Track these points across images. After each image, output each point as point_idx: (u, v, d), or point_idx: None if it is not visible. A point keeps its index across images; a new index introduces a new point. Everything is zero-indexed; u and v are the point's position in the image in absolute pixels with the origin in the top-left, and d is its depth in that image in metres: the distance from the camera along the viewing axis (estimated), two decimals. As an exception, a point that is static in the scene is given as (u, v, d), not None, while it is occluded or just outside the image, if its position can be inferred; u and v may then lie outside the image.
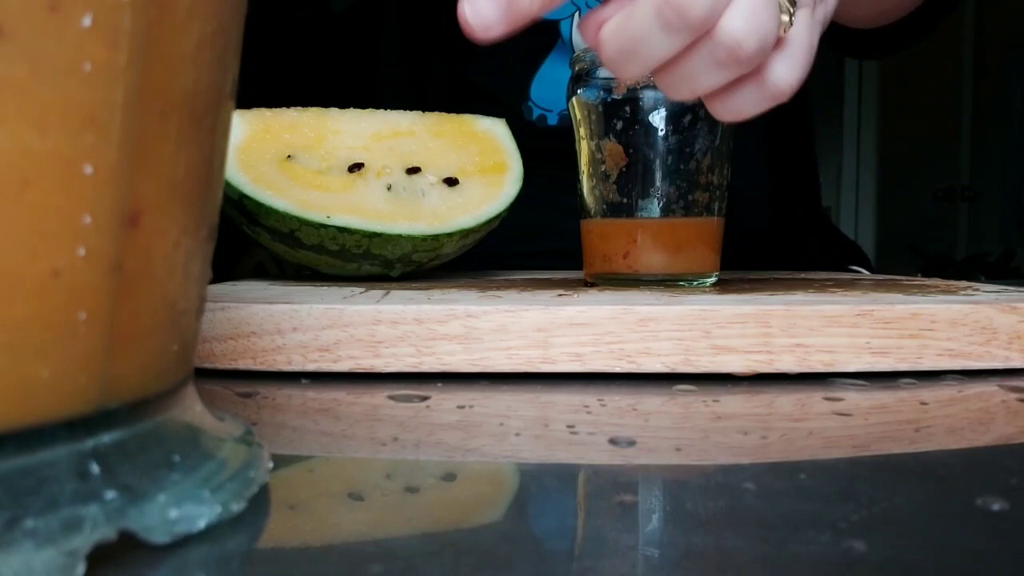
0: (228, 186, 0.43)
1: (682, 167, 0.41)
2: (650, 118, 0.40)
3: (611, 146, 0.41)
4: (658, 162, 0.41)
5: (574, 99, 0.43)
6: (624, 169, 0.41)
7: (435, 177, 0.47)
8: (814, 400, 0.28)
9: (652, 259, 0.41)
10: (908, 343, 0.31)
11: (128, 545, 0.14)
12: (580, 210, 0.44)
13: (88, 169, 0.13)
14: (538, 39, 0.65)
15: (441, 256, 0.47)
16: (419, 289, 0.39)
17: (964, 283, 0.43)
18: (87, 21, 0.13)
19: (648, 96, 0.40)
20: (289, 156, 0.45)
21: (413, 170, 0.47)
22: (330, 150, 0.46)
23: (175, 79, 0.15)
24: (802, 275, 0.54)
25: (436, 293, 0.36)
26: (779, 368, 0.30)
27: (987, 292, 0.37)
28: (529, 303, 0.31)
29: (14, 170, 0.12)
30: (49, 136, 0.13)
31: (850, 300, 0.33)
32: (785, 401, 0.28)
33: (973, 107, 2.70)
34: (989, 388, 0.30)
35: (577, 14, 0.64)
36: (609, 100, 0.41)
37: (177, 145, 0.15)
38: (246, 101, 0.32)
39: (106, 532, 0.13)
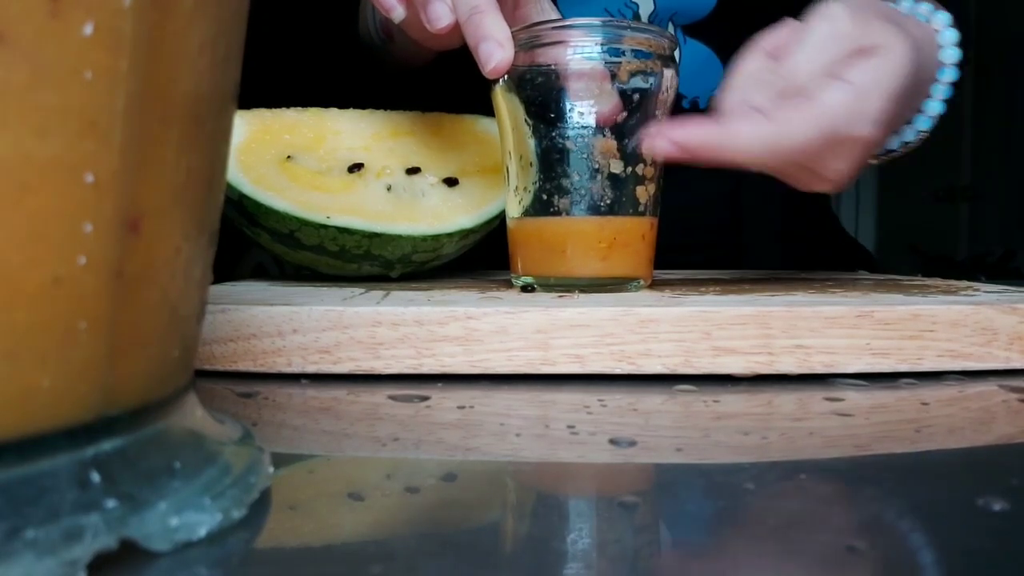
0: (228, 187, 0.43)
1: (605, 165, 0.38)
2: (570, 113, 0.38)
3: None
4: (581, 158, 0.38)
5: (497, 90, 0.40)
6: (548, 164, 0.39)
7: (435, 177, 0.47)
8: (814, 400, 0.28)
9: (584, 262, 0.39)
10: (909, 344, 0.31)
11: (127, 545, 0.14)
12: (507, 211, 0.42)
13: (89, 176, 0.13)
14: None
15: (441, 256, 0.47)
16: (419, 290, 0.39)
17: (965, 283, 0.43)
18: (88, 27, 0.13)
19: (566, 89, 0.38)
20: (289, 156, 0.45)
21: (413, 170, 0.47)
22: (330, 150, 0.46)
23: (176, 84, 0.15)
24: (802, 275, 0.54)
25: (436, 294, 0.36)
26: (780, 369, 0.30)
27: (988, 293, 0.37)
28: (529, 304, 0.31)
29: (15, 176, 0.12)
30: (50, 142, 0.13)
31: (851, 301, 0.33)
32: (785, 401, 0.28)
33: (974, 107, 2.70)
34: (989, 388, 0.30)
35: None
36: (531, 95, 0.39)
37: (178, 150, 0.15)
38: (246, 101, 0.32)
39: (107, 541, 0.13)
